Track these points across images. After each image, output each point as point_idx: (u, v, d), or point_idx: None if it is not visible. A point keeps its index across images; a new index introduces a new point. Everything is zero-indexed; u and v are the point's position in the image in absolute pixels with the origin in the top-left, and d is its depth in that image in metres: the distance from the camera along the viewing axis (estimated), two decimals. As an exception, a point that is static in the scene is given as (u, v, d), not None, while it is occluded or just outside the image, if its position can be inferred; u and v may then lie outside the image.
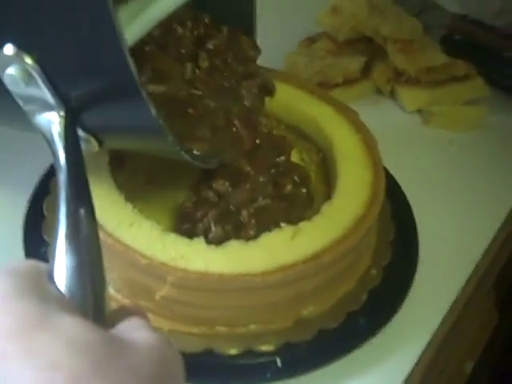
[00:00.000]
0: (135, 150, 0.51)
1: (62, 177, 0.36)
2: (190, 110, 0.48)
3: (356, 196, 0.52)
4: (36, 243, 0.54)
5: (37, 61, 0.37)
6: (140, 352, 0.28)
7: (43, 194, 0.58)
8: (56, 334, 0.26)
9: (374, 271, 0.54)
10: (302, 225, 0.50)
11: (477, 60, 0.77)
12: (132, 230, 0.48)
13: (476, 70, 0.75)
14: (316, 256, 0.48)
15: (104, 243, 0.47)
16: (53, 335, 0.26)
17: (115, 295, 0.50)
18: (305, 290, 0.49)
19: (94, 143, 0.42)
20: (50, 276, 0.31)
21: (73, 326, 0.27)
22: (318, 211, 0.51)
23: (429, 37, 0.78)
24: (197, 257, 0.47)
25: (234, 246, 0.48)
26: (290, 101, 0.61)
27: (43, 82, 0.38)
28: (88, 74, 0.38)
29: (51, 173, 0.59)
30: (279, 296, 0.49)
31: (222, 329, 0.49)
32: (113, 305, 0.49)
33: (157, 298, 0.47)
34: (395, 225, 0.58)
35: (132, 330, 0.30)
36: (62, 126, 0.39)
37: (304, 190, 0.55)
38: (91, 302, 0.31)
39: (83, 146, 0.41)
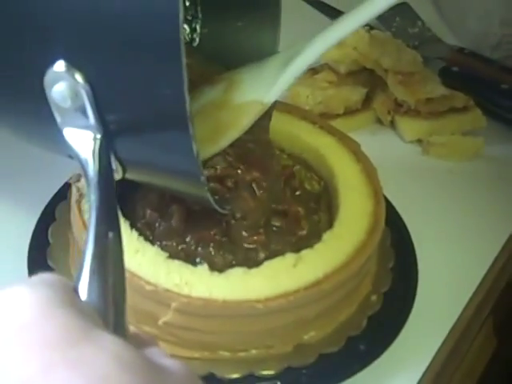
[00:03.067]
0: (156, 185, 0.51)
1: (94, 197, 0.36)
2: None
3: (357, 224, 0.54)
4: (40, 269, 0.55)
5: (87, 80, 0.37)
6: (176, 377, 0.28)
7: (49, 220, 0.59)
8: (101, 348, 0.26)
9: (374, 297, 0.55)
10: (304, 253, 0.51)
11: (475, 92, 0.78)
12: (137, 257, 0.49)
13: (474, 101, 0.77)
14: (317, 283, 0.49)
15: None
16: (99, 348, 0.26)
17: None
18: (306, 316, 0.50)
19: (120, 171, 0.42)
20: (77, 294, 0.31)
21: (115, 343, 0.27)
22: (320, 239, 0.52)
23: (428, 69, 0.80)
24: (200, 283, 0.48)
25: (237, 273, 0.49)
26: (293, 131, 0.62)
27: (90, 102, 0.37)
28: (138, 101, 0.38)
29: (57, 200, 0.60)
30: (281, 322, 0.49)
31: (223, 353, 0.50)
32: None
33: (160, 323, 0.48)
34: (395, 252, 0.59)
35: (158, 356, 0.30)
36: (97, 148, 0.38)
37: (316, 217, 0.57)
38: (112, 325, 0.31)
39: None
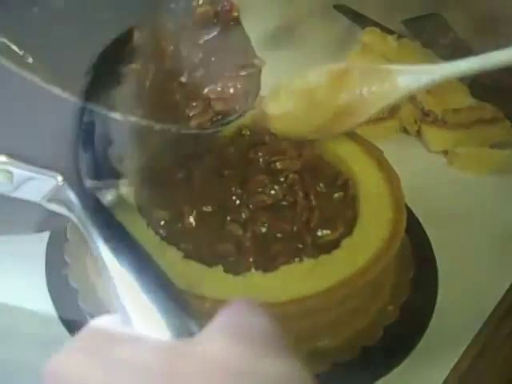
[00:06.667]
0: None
1: (92, 230, 0.37)
2: None
3: (376, 232, 0.53)
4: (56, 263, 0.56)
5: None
6: None
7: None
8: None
9: (391, 307, 0.54)
10: (322, 258, 0.50)
11: (504, 104, 0.77)
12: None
13: (503, 113, 0.75)
14: (334, 289, 0.48)
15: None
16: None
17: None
18: (322, 322, 0.50)
19: (124, 186, 0.43)
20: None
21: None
22: (338, 245, 0.52)
23: (457, 79, 0.79)
24: (215, 285, 0.47)
25: (252, 276, 0.48)
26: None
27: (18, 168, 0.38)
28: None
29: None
30: (295, 327, 0.49)
31: (235, 357, 0.49)
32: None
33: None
34: (415, 263, 0.58)
35: None
36: (66, 188, 0.39)
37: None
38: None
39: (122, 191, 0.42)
